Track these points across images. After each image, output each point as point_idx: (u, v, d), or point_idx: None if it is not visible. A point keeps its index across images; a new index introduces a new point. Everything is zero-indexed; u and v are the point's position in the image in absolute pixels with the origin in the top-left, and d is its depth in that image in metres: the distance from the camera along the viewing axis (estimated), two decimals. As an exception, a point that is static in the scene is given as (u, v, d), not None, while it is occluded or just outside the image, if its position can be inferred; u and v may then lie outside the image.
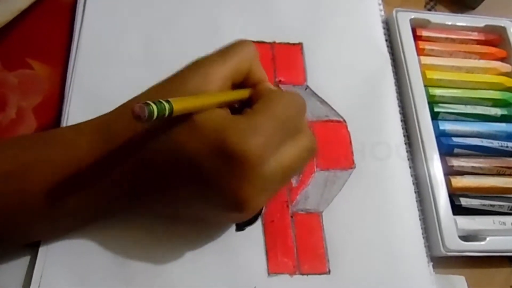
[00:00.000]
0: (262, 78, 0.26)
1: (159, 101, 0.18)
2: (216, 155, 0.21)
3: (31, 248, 0.25)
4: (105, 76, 0.31)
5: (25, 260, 0.25)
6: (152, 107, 0.18)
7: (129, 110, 0.18)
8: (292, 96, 0.24)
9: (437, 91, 0.34)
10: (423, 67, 0.35)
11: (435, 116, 0.34)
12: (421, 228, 0.30)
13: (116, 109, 0.24)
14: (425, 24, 0.37)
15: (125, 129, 0.22)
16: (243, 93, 0.25)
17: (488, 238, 0.30)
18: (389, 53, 0.36)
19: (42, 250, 0.25)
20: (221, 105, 0.23)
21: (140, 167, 0.22)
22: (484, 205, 0.31)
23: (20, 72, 0.31)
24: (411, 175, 0.31)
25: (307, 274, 0.27)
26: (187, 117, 0.21)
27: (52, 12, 0.33)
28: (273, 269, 0.27)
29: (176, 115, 0.19)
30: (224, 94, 0.23)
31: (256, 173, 0.21)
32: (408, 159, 0.32)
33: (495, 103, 0.35)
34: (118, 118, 0.23)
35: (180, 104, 0.19)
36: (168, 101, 0.19)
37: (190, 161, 0.21)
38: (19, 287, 0.24)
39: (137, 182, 0.23)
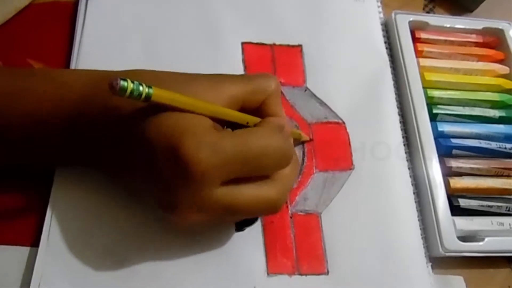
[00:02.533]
0: (276, 114, 0.25)
1: (140, 83, 0.19)
2: (168, 153, 0.21)
3: (31, 248, 0.25)
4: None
5: (24, 259, 0.25)
6: (127, 84, 0.18)
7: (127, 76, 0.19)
8: (279, 143, 0.23)
9: (436, 93, 0.34)
10: (422, 69, 0.35)
11: (433, 117, 0.34)
12: (420, 229, 0.30)
13: (125, 71, 0.25)
14: (424, 27, 0.37)
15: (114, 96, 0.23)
16: (245, 118, 0.24)
17: (486, 239, 0.30)
18: (388, 55, 0.36)
19: (41, 250, 0.25)
20: (213, 118, 0.23)
21: (115, 133, 0.23)
22: (482, 206, 0.31)
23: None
24: (410, 176, 0.32)
25: (306, 275, 0.28)
26: (170, 111, 0.22)
27: (53, 13, 0.33)
28: (272, 270, 0.27)
29: (158, 104, 0.20)
30: (218, 109, 0.23)
31: (195, 189, 0.21)
32: (407, 160, 0.32)
33: (493, 104, 0.35)
34: None
35: (161, 95, 0.20)
36: (150, 87, 0.19)
37: (150, 147, 0.21)
38: (18, 287, 0.24)
39: (105, 144, 0.24)
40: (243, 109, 0.25)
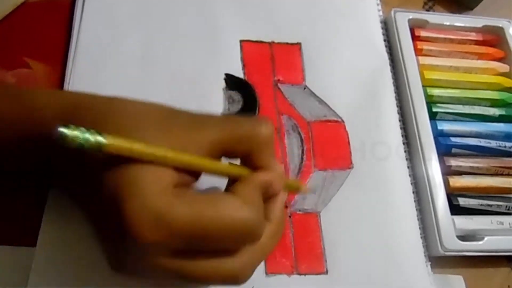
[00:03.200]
0: (267, 166, 0.22)
1: (88, 130, 0.16)
2: (115, 210, 0.18)
3: (28, 248, 0.25)
4: (103, 76, 0.31)
5: (22, 260, 0.25)
6: (66, 133, 0.16)
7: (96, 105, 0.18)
8: (250, 220, 0.19)
9: (435, 91, 0.34)
10: (421, 67, 0.35)
11: (433, 116, 0.34)
12: (419, 228, 0.30)
13: (93, 96, 0.22)
14: (424, 25, 0.37)
15: (89, 122, 0.19)
16: (223, 170, 0.21)
17: (486, 238, 0.30)
18: (388, 53, 0.36)
19: (38, 250, 0.25)
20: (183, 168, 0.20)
21: (72, 164, 0.21)
22: (482, 205, 0.31)
23: (18, 71, 0.30)
24: (409, 175, 0.31)
25: (305, 274, 0.27)
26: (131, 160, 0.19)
27: (50, 11, 0.33)
28: (271, 269, 0.27)
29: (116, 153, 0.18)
30: (192, 160, 0.20)
31: (138, 256, 0.19)
32: (407, 159, 0.32)
33: (493, 103, 0.35)
34: (90, 106, 0.21)
35: (116, 144, 0.17)
36: (100, 134, 0.17)
37: (100, 195, 0.19)
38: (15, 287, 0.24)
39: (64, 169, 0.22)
40: (228, 157, 0.22)
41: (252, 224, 0.20)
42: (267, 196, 0.22)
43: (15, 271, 0.25)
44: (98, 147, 0.17)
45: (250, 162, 0.22)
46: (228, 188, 0.22)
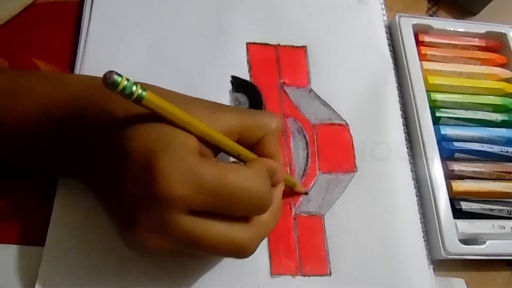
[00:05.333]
0: (273, 155, 0.25)
1: (135, 83, 0.19)
2: (142, 164, 0.20)
3: (37, 247, 0.25)
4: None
5: (30, 259, 0.25)
6: (121, 80, 0.18)
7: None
8: (260, 188, 0.21)
9: (439, 96, 0.35)
10: (425, 72, 0.35)
11: (436, 120, 0.34)
12: (422, 231, 0.30)
13: None
14: (427, 30, 0.38)
15: (112, 100, 0.22)
16: (237, 150, 0.23)
17: (487, 242, 0.30)
18: (392, 57, 0.36)
19: (47, 249, 0.25)
20: (204, 141, 0.22)
21: (102, 136, 0.22)
22: (484, 209, 0.31)
23: (26, 72, 0.31)
24: (412, 179, 0.32)
25: (309, 276, 0.28)
26: (160, 123, 0.21)
27: (59, 12, 0.33)
28: (276, 270, 0.27)
29: (149, 110, 0.20)
30: (210, 132, 0.22)
31: (158, 210, 0.20)
32: (410, 163, 0.32)
33: (496, 108, 0.36)
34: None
35: (153, 100, 0.20)
36: (144, 89, 0.19)
37: (126, 152, 0.21)
38: (24, 286, 0.25)
39: (90, 147, 0.23)
40: (239, 144, 0.24)
41: (265, 195, 0.22)
42: (271, 183, 0.24)
43: (23, 270, 0.25)
44: (140, 98, 0.19)
45: (259, 150, 0.24)
46: None
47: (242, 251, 0.22)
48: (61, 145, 0.24)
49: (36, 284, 0.24)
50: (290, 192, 0.30)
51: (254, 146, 0.25)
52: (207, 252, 0.22)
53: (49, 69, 0.31)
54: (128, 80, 0.18)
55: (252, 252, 0.22)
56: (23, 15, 0.32)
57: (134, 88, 0.19)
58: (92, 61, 0.31)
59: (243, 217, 0.22)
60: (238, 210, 0.21)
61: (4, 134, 0.24)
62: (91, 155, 0.23)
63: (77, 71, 0.30)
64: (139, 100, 0.19)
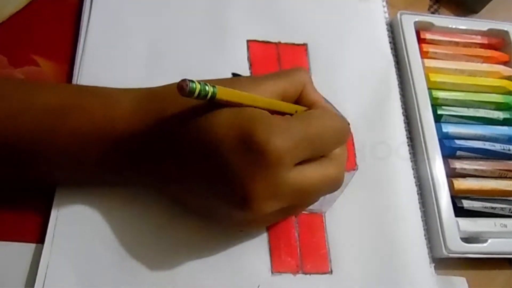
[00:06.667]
0: (317, 100, 0.26)
1: (206, 83, 0.20)
2: (239, 143, 0.21)
3: (37, 244, 0.25)
4: (111, 74, 0.31)
5: (30, 256, 0.25)
6: (195, 85, 0.19)
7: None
8: (337, 122, 0.24)
9: (441, 94, 0.34)
10: (427, 70, 0.35)
11: (438, 118, 0.34)
12: (423, 229, 0.30)
13: (165, 85, 0.25)
14: (429, 27, 0.37)
15: (170, 103, 0.23)
16: (294, 107, 0.25)
17: (489, 240, 0.30)
18: (393, 55, 0.36)
19: (47, 246, 0.25)
20: (268, 110, 0.23)
21: (171, 140, 0.23)
22: (485, 207, 0.31)
23: (26, 69, 0.31)
24: (414, 177, 0.32)
25: (310, 274, 0.28)
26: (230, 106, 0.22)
27: (59, 9, 0.33)
28: (276, 268, 0.27)
29: (219, 102, 0.21)
30: (273, 102, 0.24)
31: (271, 174, 0.21)
32: (411, 161, 0.32)
33: (498, 106, 0.35)
34: (165, 91, 0.25)
35: (224, 93, 0.21)
36: (214, 86, 0.20)
37: (215, 143, 0.21)
38: (23, 286, 0.24)
39: (160, 154, 0.24)
40: (286, 99, 0.25)
41: (344, 126, 0.25)
42: None
43: (23, 268, 0.25)
44: (213, 96, 0.20)
45: (304, 102, 0.26)
46: None
47: (337, 184, 0.25)
48: (116, 160, 0.24)
49: (36, 281, 0.24)
50: None
51: (298, 100, 0.26)
52: (312, 196, 0.25)
53: (49, 65, 0.31)
54: (200, 83, 0.19)
55: (342, 183, 0.25)
56: (23, 12, 0.32)
57: (207, 88, 0.20)
58: (92, 58, 0.31)
59: (323, 157, 0.24)
60: (329, 146, 0.24)
61: (52, 155, 0.24)
62: (159, 162, 0.24)
63: (76, 67, 0.30)
64: (212, 97, 0.20)
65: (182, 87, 0.19)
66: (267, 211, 0.22)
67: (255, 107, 0.22)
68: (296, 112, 0.25)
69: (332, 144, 0.24)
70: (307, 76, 0.26)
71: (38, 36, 0.32)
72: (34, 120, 0.23)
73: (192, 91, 0.19)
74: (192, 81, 0.19)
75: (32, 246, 0.25)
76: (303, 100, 0.26)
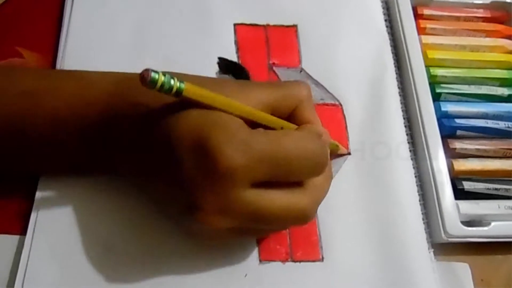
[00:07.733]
0: (310, 121, 0.24)
1: (173, 77, 0.19)
2: (195, 146, 0.20)
3: (20, 236, 0.25)
4: (94, 63, 0.30)
5: (13, 248, 0.25)
6: (158, 76, 0.18)
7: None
8: (316, 147, 0.21)
9: (439, 71, 0.33)
10: (424, 47, 0.33)
11: (437, 97, 0.32)
12: (422, 213, 0.29)
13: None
14: (427, 3, 0.36)
15: (145, 93, 0.21)
16: (280, 123, 0.23)
17: (492, 224, 0.28)
18: (389, 33, 0.34)
19: (28, 238, 0.25)
20: (244, 119, 0.21)
21: (142, 131, 0.22)
22: (488, 189, 0.29)
23: (10, 60, 0.30)
24: (411, 158, 0.30)
25: (300, 261, 0.27)
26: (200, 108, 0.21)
27: (42, 1, 0.33)
28: (264, 256, 0.26)
29: (188, 100, 0.20)
30: (254, 112, 0.22)
31: (221, 187, 0.19)
32: (409, 142, 0.31)
33: (502, 82, 0.33)
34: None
35: (193, 91, 0.20)
36: (181, 82, 0.19)
37: (175, 141, 0.20)
38: (7, 277, 0.24)
39: (132, 144, 0.23)
40: (275, 113, 0.24)
41: (321, 153, 0.22)
42: None
43: (6, 259, 0.25)
44: (179, 91, 0.19)
45: (295, 119, 0.24)
46: None
47: (304, 217, 0.22)
48: (92, 145, 0.24)
49: (17, 273, 0.24)
50: (334, 155, 0.29)
51: (290, 117, 0.24)
52: (270, 224, 0.22)
53: (33, 56, 0.31)
54: (165, 75, 0.18)
55: (313, 217, 0.23)
56: (6, 4, 0.32)
57: (172, 82, 0.19)
58: (75, 47, 0.30)
59: (299, 184, 0.22)
60: (297, 173, 0.21)
61: (31, 140, 0.23)
62: (130, 151, 0.23)
63: (59, 58, 0.30)
64: (179, 93, 0.19)
65: (143, 77, 0.18)
66: (216, 226, 0.20)
67: (229, 113, 0.21)
68: (281, 128, 0.23)
69: (304, 171, 0.21)
70: (307, 92, 0.24)
71: (22, 27, 0.32)
72: (10, 103, 0.23)
73: (153, 82, 0.18)
74: (156, 72, 0.18)
75: (15, 238, 0.25)
76: (295, 117, 0.24)
